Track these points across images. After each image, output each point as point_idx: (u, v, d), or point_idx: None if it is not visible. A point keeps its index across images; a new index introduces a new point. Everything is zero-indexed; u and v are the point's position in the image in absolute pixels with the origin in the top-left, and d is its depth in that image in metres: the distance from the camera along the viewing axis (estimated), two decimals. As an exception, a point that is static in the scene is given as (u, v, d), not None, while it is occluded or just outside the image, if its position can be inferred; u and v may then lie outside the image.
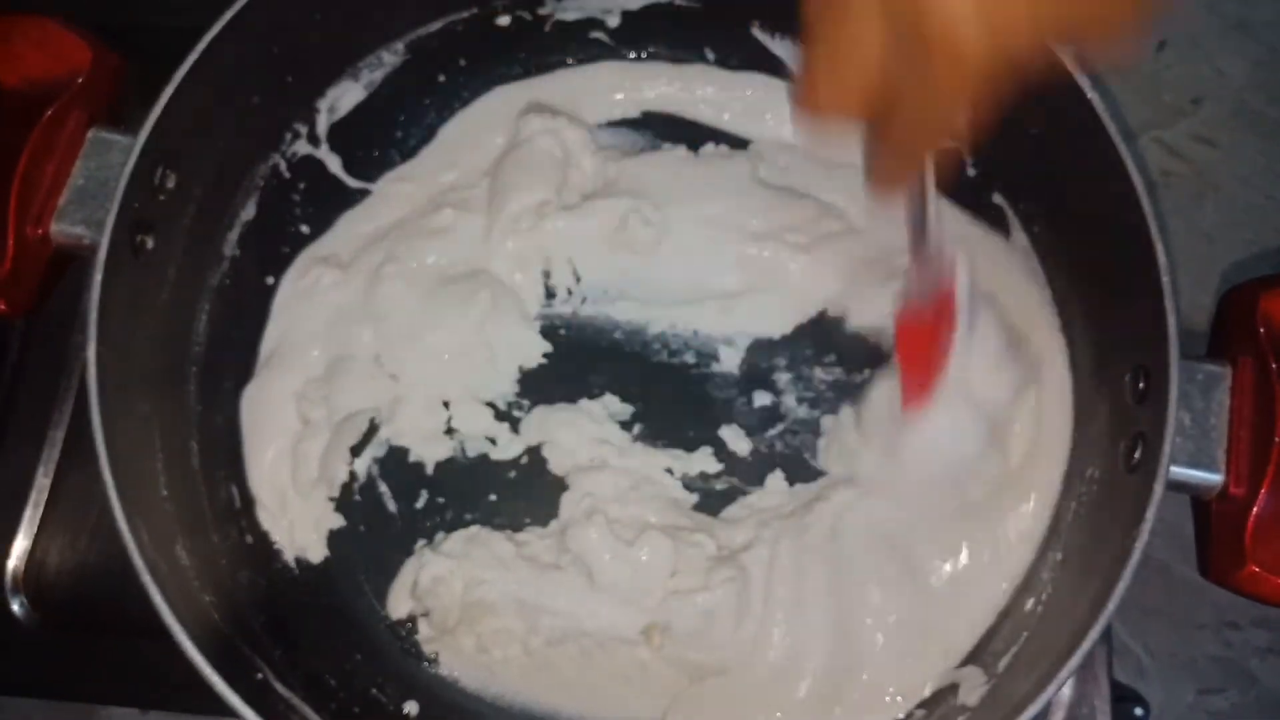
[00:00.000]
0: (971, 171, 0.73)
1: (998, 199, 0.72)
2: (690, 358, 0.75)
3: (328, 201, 0.76)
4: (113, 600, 0.70)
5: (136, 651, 0.69)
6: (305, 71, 0.71)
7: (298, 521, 0.69)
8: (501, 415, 0.73)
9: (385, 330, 0.72)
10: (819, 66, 0.46)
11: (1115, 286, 0.62)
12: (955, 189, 0.75)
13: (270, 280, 0.73)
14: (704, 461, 0.72)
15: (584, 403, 0.73)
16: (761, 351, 0.74)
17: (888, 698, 0.64)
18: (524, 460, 0.72)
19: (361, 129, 0.77)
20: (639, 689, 0.67)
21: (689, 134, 0.78)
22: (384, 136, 0.78)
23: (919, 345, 0.61)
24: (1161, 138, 0.86)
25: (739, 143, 0.78)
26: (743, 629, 0.66)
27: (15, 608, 0.72)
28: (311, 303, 0.72)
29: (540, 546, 0.69)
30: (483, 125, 0.78)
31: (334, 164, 0.76)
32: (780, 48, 0.77)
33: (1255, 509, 0.56)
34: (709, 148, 0.78)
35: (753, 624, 0.66)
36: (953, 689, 0.64)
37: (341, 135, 0.76)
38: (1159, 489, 0.55)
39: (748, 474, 0.72)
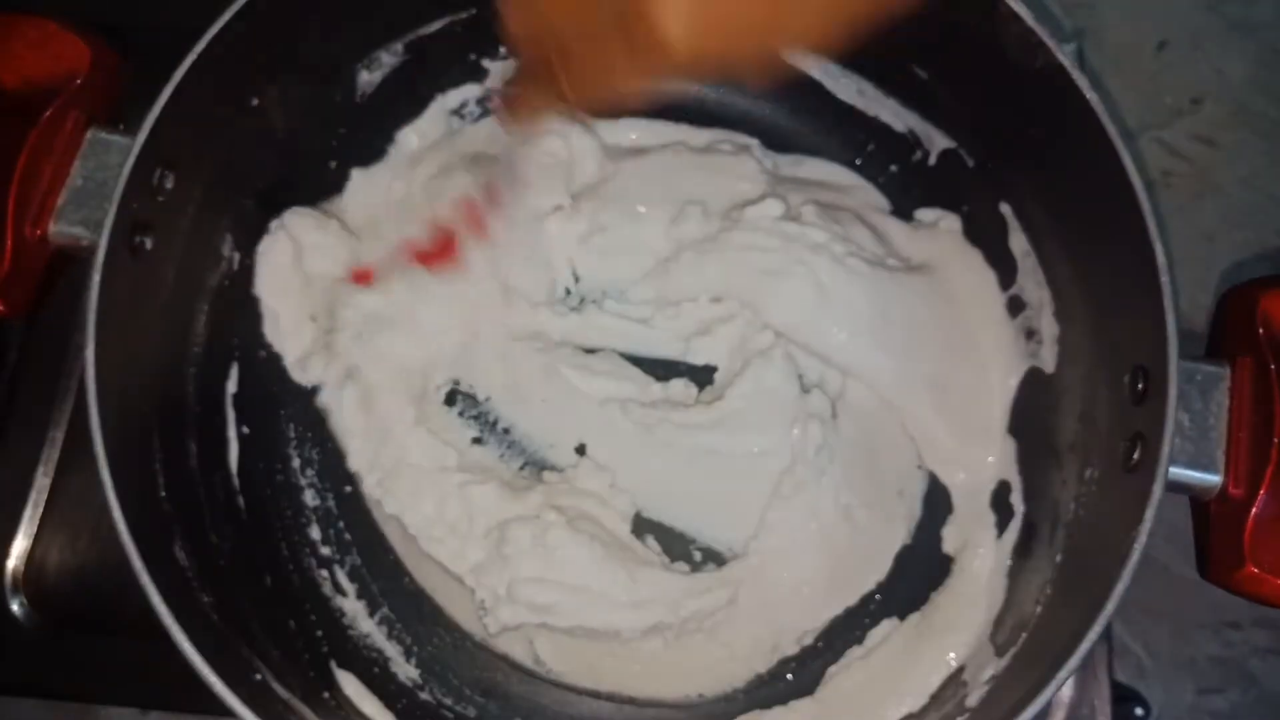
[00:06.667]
0: (971, 170, 0.73)
1: (997, 198, 0.72)
2: (688, 358, 0.75)
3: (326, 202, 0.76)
4: (112, 601, 0.70)
5: (136, 652, 0.68)
6: (303, 72, 0.71)
7: None
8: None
9: None
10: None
11: (1115, 286, 0.62)
12: (956, 188, 0.75)
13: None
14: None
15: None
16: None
17: None
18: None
19: (360, 129, 0.77)
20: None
21: (701, 120, 0.79)
22: (382, 136, 0.78)
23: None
24: (1161, 137, 0.86)
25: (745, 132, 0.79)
26: None
27: (15, 608, 0.72)
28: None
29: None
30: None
31: (332, 165, 0.77)
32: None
33: (1254, 510, 0.56)
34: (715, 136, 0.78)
35: None
36: (956, 688, 0.64)
37: (340, 135, 0.77)
38: (1158, 490, 0.54)
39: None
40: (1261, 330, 0.59)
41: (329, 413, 0.73)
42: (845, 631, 0.69)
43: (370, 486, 0.71)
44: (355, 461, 0.71)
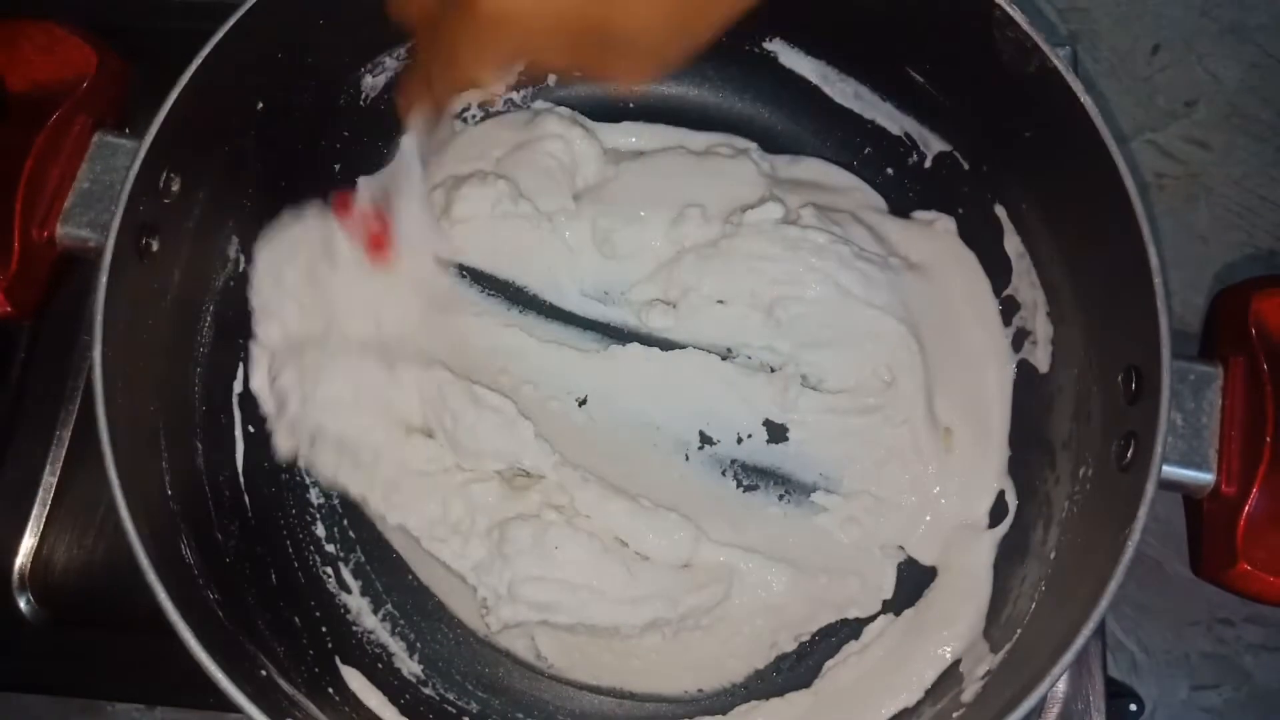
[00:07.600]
0: (966, 173, 0.74)
1: (992, 200, 0.72)
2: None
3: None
4: (118, 598, 0.71)
5: (142, 648, 0.69)
6: (309, 76, 0.72)
7: None
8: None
9: None
10: None
11: (1109, 287, 0.63)
12: (951, 191, 0.76)
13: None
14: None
15: None
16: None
17: None
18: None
19: (364, 132, 0.77)
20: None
21: (700, 123, 0.80)
22: (386, 140, 0.78)
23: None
24: (1155, 140, 0.86)
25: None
26: None
27: (22, 605, 0.72)
28: None
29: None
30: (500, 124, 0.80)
31: (336, 168, 0.77)
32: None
33: (1246, 508, 0.57)
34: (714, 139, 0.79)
35: None
36: (952, 683, 0.65)
37: (344, 138, 0.77)
38: (1151, 488, 0.55)
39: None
40: (1254, 330, 0.60)
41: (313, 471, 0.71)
42: (842, 627, 0.70)
43: (375, 503, 0.70)
44: (354, 490, 0.70)
